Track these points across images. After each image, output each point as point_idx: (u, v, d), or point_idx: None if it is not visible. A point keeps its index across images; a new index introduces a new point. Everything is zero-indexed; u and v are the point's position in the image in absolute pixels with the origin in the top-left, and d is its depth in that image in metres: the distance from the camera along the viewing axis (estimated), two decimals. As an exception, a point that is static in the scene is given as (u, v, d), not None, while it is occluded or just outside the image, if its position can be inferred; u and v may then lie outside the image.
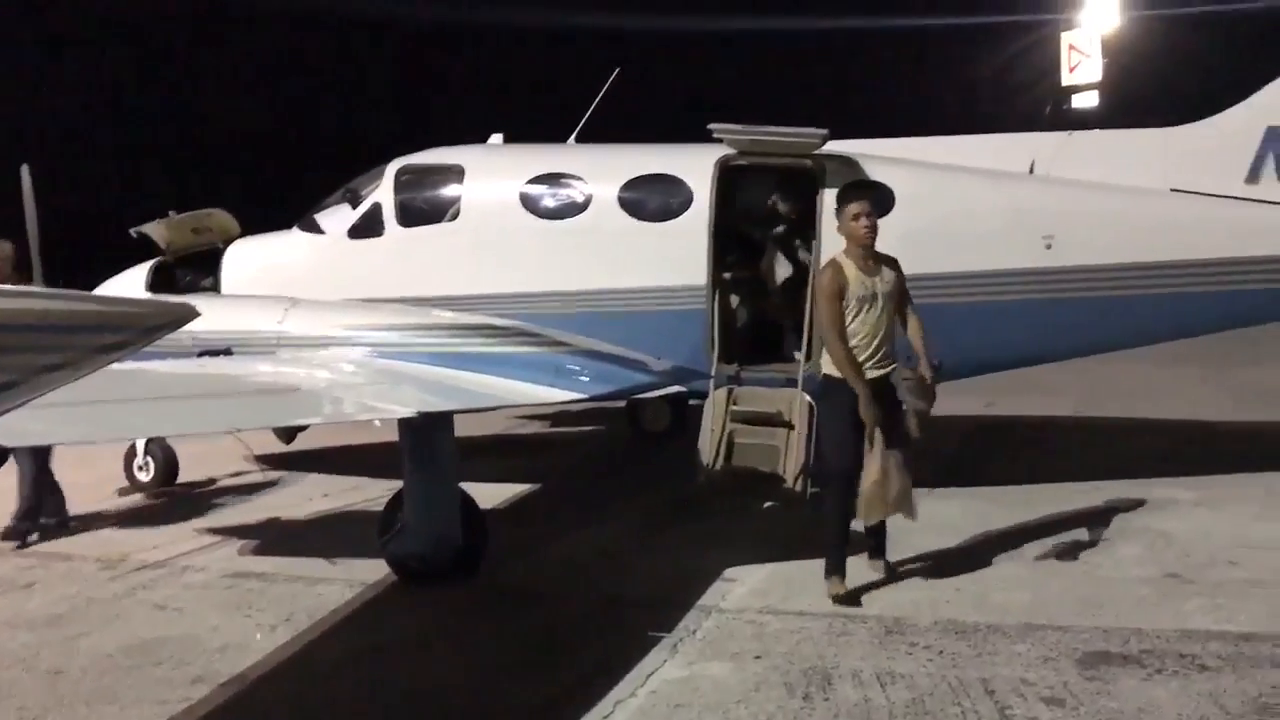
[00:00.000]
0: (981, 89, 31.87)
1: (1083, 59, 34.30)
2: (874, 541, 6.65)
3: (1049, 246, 7.74)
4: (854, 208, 6.05)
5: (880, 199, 7.75)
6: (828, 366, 6.20)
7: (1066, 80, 34.11)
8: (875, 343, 6.13)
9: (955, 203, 7.96)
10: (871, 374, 6.08)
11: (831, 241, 7.80)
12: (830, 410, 6.32)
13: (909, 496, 6.30)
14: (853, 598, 6.14)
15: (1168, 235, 7.73)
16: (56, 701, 5.16)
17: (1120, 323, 7.83)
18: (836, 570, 6.21)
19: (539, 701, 5.02)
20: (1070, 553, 6.95)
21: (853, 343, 6.05)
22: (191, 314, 2.36)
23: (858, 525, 6.44)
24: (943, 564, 6.82)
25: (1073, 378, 12.07)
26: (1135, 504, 7.95)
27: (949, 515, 7.92)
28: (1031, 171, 8.28)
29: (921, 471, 9.12)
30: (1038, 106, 32.85)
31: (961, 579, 6.53)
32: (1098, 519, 7.65)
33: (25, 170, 8.51)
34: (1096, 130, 9.18)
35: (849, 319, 6.03)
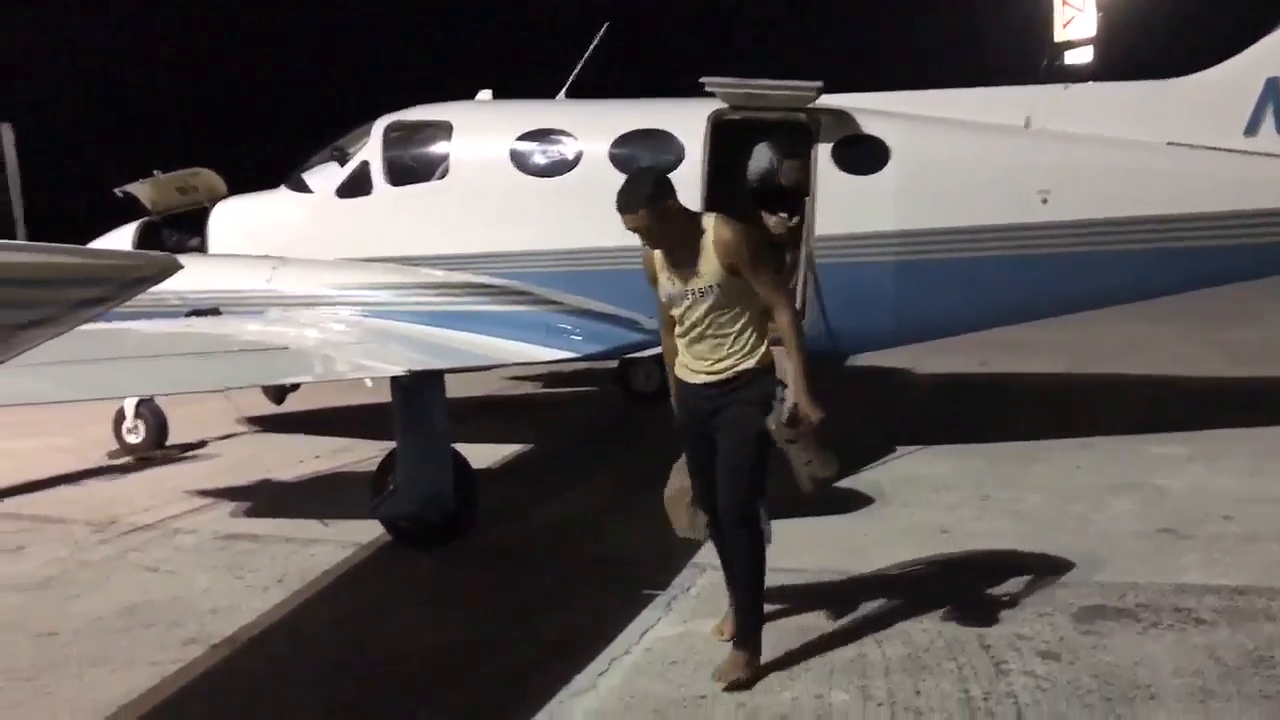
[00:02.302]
0: (976, 43, 31.60)
1: (1076, 14, 34.11)
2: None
3: (1045, 201, 7.66)
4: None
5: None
6: None
7: (1059, 36, 33.92)
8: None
9: (949, 157, 7.87)
10: (693, 376, 4.74)
11: (827, 196, 7.77)
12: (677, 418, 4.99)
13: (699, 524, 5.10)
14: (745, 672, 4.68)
15: (1165, 189, 7.65)
16: (49, 663, 5.13)
17: (1117, 278, 7.77)
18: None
19: (532, 659, 5.00)
20: (1064, 508, 6.94)
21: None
22: (174, 266, 2.29)
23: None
24: (936, 520, 6.80)
25: (1067, 335, 12.04)
26: (1129, 460, 7.95)
27: (941, 473, 7.92)
28: (1027, 125, 8.19)
29: (915, 429, 9.22)
30: (1033, 62, 32.60)
31: (954, 535, 6.51)
32: (1092, 475, 7.65)
33: (7, 128, 8.39)
34: (1093, 83, 9.06)
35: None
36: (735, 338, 4.59)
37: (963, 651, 4.84)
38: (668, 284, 4.64)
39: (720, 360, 4.62)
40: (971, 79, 9.10)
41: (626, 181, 4.56)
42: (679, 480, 5.19)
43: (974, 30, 32.92)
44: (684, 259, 4.55)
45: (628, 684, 4.70)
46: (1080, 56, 33.56)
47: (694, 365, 4.70)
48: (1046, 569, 5.83)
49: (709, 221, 4.57)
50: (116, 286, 2.31)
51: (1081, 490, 7.30)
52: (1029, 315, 8.35)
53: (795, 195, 8.11)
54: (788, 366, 4.58)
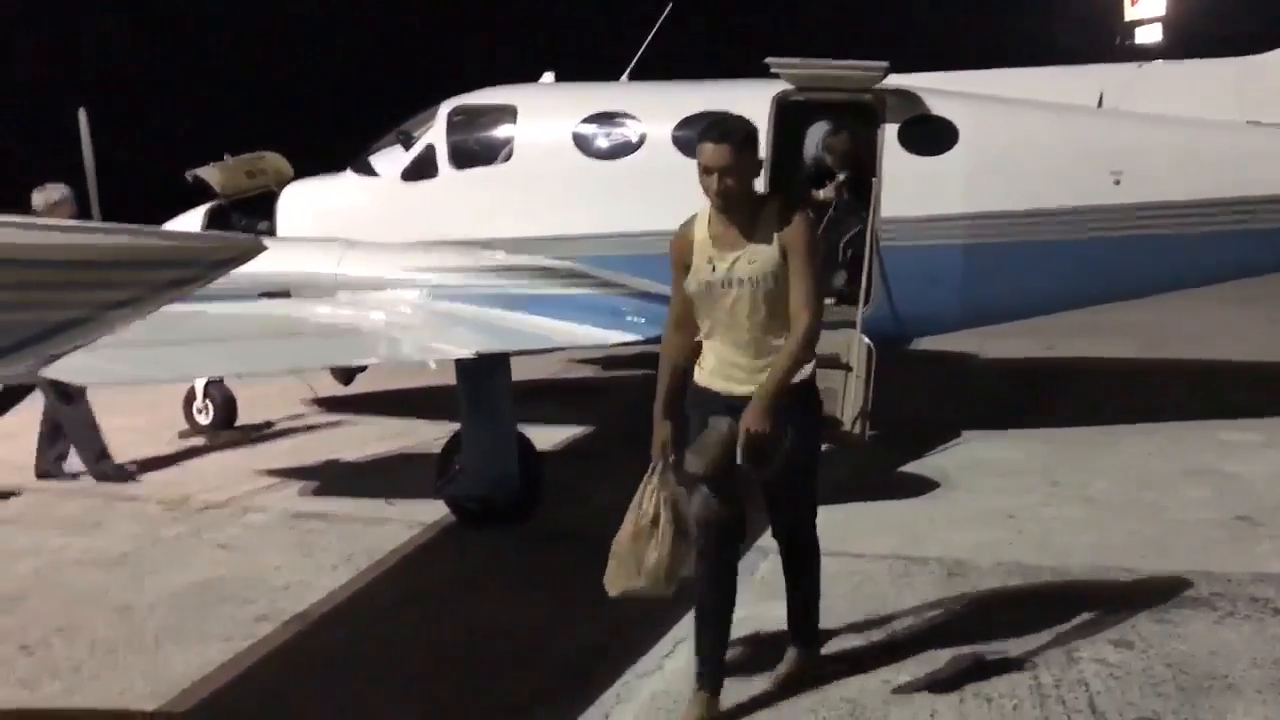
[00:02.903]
0: (1048, 21, 31.08)
1: (1145, -8, 33.45)
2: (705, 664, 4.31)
3: (1118, 182, 7.53)
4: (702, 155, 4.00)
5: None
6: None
7: (1129, 15, 33.29)
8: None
9: (1019, 137, 7.76)
10: (722, 385, 4.10)
11: (893, 179, 7.69)
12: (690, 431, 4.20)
13: (672, 573, 4.21)
14: None
15: (1243, 169, 7.48)
16: (127, 637, 5.26)
17: (1192, 260, 7.62)
18: (703, 678, 4.27)
19: (598, 641, 5.03)
20: (1135, 495, 6.83)
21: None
22: (258, 247, 2.33)
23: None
24: (1003, 505, 6.72)
25: (1137, 319, 11.81)
26: (1202, 446, 7.79)
27: (1009, 457, 7.82)
28: (1100, 105, 8.04)
29: (981, 414, 9.10)
30: (1106, 41, 32.07)
31: (1023, 521, 6.44)
32: (1163, 461, 7.51)
33: (83, 113, 8.56)
34: (1168, 60, 8.88)
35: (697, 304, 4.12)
36: (779, 342, 4.00)
37: (1033, 638, 4.78)
38: (706, 269, 3.99)
39: (759, 369, 4.00)
40: (1043, 58, 8.97)
41: (717, 118, 4.08)
42: (637, 524, 4.21)
43: (1046, 8, 32.39)
44: (737, 238, 3.98)
45: (692, 665, 4.70)
46: (1150, 35, 32.98)
47: (729, 371, 4.06)
48: (1117, 555, 5.75)
49: (773, 201, 4.08)
50: (204, 267, 2.35)
51: (1153, 476, 7.17)
52: (1100, 299, 8.22)
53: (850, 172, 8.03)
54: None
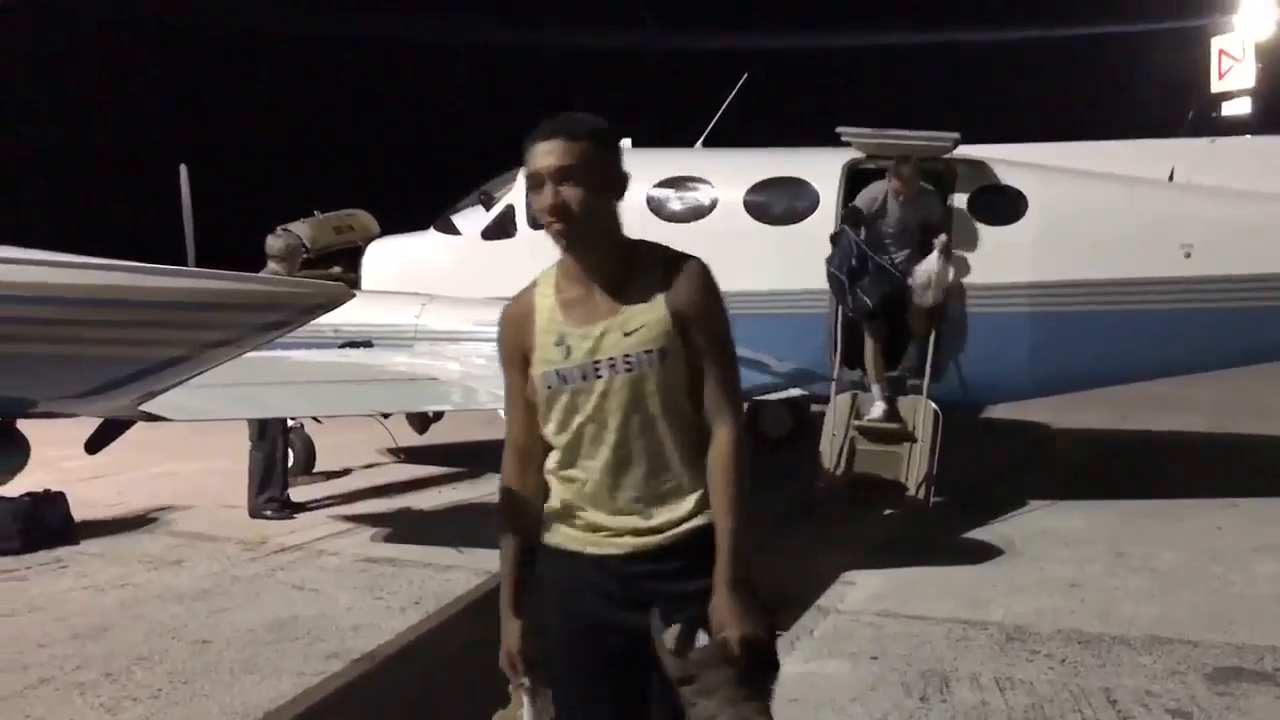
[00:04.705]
0: (1129, 95, 30.94)
1: (1234, 64, 33.15)
2: None
3: (1188, 255, 7.55)
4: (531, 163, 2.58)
5: None
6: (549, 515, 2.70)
7: (1216, 87, 32.98)
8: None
9: (1089, 209, 7.82)
10: (595, 546, 2.62)
11: (963, 250, 7.78)
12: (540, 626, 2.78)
13: None
14: None
15: (1312, 245, 7.47)
16: (204, 668, 5.47)
17: (1261, 334, 7.59)
18: None
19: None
20: (1202, 567, 6.77)
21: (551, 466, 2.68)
22: (347, 295, 2.54)
23: None
24: (1067, 574, 6.71)
25: (1207, 392, 11.69)
26: (1274, 522, 7.69)
27: (1075, 526, 7.79)
28: (1171, 179, 8.09)
29: (1050, 483, 9.07)
30: (1183, 113, 31.81)
31: (1086, 590, 6.42)
32: (1233, 536, 7.43)
33: (184, 170, 9.03)
34: (1240, 136, 8.90)
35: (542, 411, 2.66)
36: (685, 461, 2.58)
37: (1088, 704, 4.79)
38: (556, 355, 2.57)
39: (659, 504, 2.57)
40: (1124, 131, 9.04)
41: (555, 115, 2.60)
42: None
43: (1128, 82, 32.25)
44: (601, 301, 2.58)
45: None
46: (1238, 108, 32.59)
47: (596, 518, 2.59)
48: (1179, 627, 5.72)
49: (652, 246, 2.65)
50: (296, 312, 2.57)
51: (1221, 550, 7.11)
52: (1172, 371, 8.21)
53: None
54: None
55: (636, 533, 2.55)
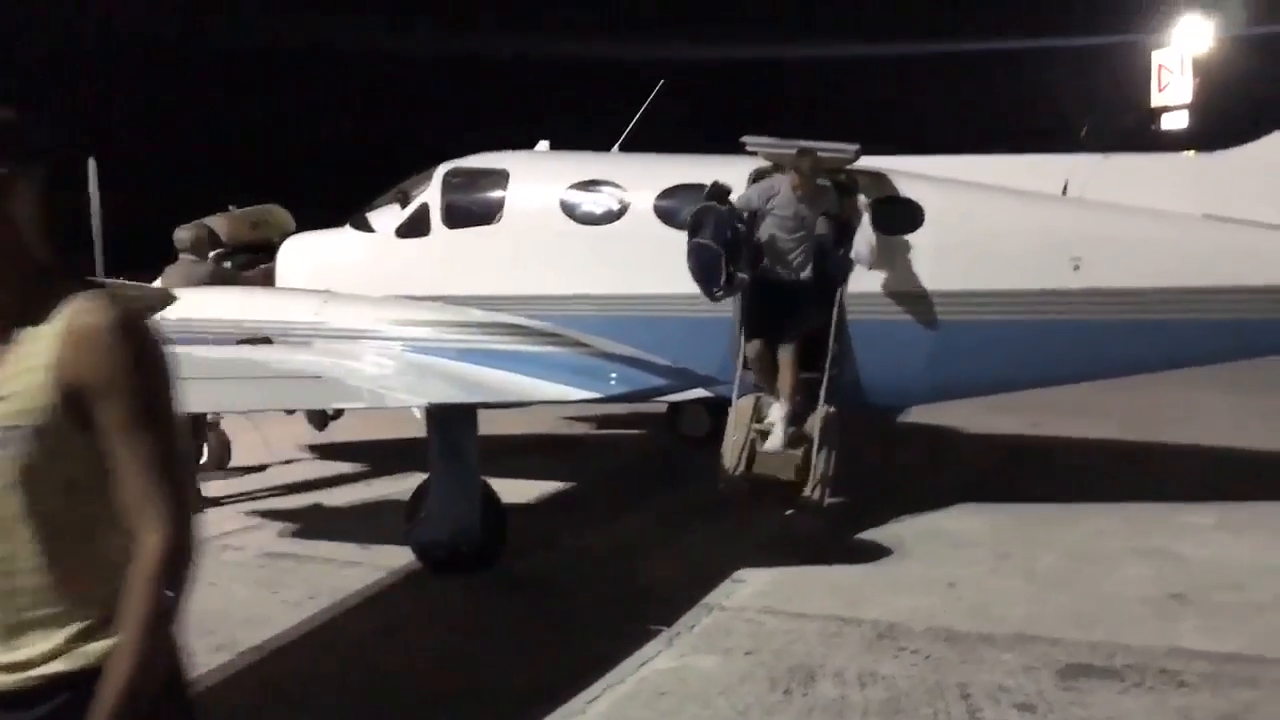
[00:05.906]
0: (1078, 105, 31.59)
1: (1172, 78, 33.86)
2: None
3: (1077, 268, 7.78)
4: None
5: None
6: None
7: (1156, 100, 33.65)
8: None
9: (983, 221, 8.04)
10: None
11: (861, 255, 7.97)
12: None
13: None
14: None
15: (1198, 261, 7.72)
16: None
17: (1148, 346, 7.83)
18: None
19: (534, 684, 5.27)
20: (1077, 569, 7.02)
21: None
22: (169, 299, 2.64)
23: None
24: (950, 575, 6.92)
25: (1126, 399, 11.99)
26: (1157, 527, 7.96)
27: (968, 529, 8.02)
28: (1065, 193, 8.33)
29: (953, 486, 9.29)
30: (1132, 126, 32.56)
31: (963, 589, 6.64)
32: (1115, 539, 7.69)
33: (92, 163, 9.02)
34: (1132, 153, 9.17)
35: None
36: (56, 580, 2.08)
37: (942, 698, 5.00)
38: None
39: (19, 634, 2.06)
40: (1070, 144, 9.28)
41: None
42: None
43: (1079, 94, 32.86)
44: None
45: (616, 710, 4.95)
46: (1176, 121, 33.34)
47: None
48: (1045, 626, 5.95)
49: (80, 299, 2.05)
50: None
51: (1100, 553, 7.36)
52: (1060, 380, 8.44)
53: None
54: None
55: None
